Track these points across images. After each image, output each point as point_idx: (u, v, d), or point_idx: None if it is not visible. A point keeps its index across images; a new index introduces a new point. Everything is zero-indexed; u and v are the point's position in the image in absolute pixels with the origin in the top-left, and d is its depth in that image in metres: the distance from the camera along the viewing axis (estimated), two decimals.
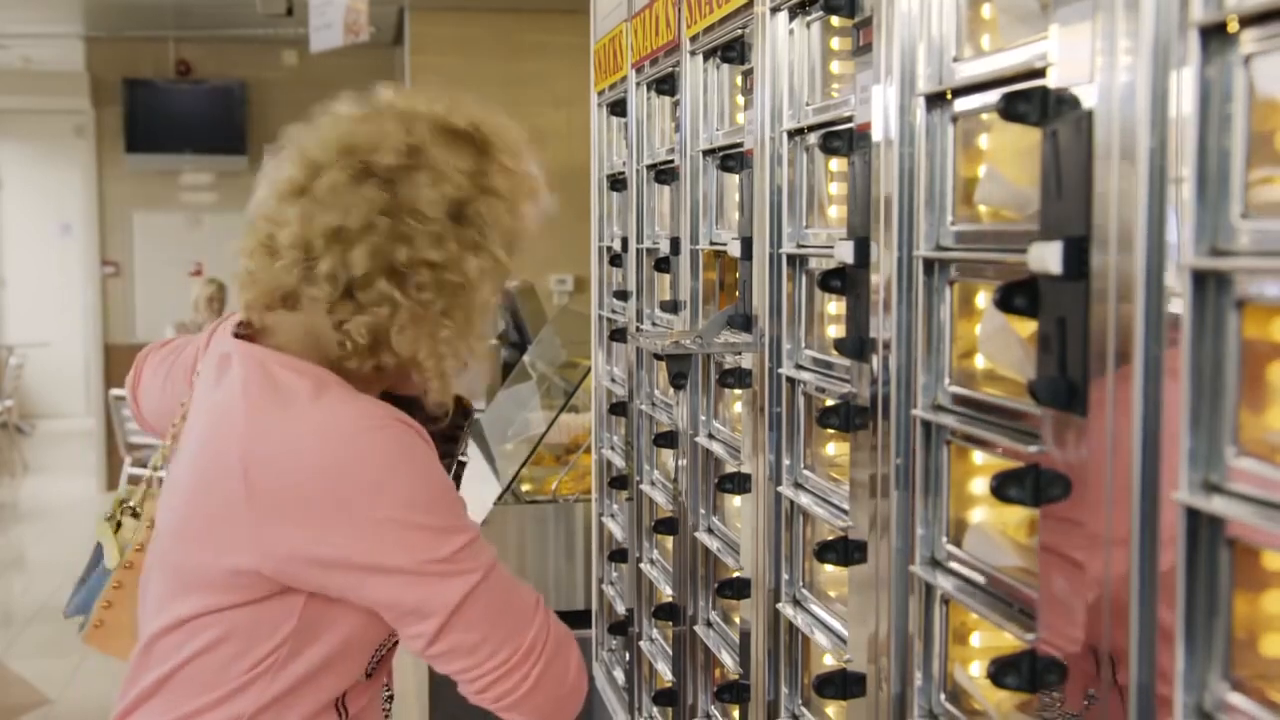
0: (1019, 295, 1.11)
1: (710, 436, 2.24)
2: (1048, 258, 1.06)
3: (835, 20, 1.67)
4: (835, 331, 1.73)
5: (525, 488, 3.80)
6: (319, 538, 1.41)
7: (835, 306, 1.76)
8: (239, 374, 1.50)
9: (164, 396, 1.81)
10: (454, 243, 1.50)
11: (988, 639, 1.39)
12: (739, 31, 1.97)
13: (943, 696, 1.39)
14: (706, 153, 2.22)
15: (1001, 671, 1.13)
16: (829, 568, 1.73)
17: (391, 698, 1.75)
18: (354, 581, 1.44)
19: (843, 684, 1.54)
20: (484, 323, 1.58)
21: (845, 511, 1.60)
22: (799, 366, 1.82)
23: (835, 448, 1.79)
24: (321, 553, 1.42)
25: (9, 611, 6.97)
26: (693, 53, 2.24)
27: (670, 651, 2.48)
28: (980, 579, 1.30)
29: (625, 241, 2.79)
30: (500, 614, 1.49)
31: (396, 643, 1.65)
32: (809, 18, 1.76)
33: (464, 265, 1.51)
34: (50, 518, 8.98)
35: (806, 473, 1.82)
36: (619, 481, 2.88)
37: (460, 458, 1.72)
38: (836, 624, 1.69)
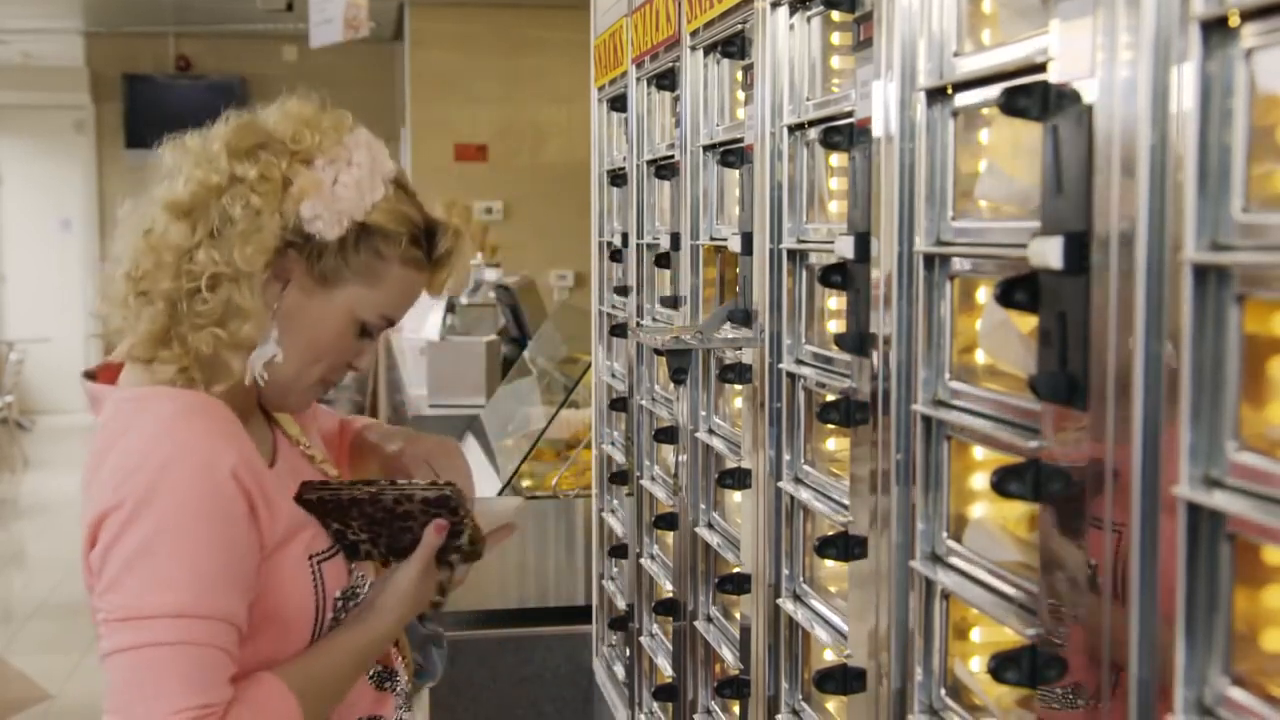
0: (1020, 290, 1.11)
1: (711, 432, 2.24)
2: (1048, 253, 1.05)
3: (836, 15, 1.67)
4: (835, 327, 1.73)
5: (525, 483, 3.80)
6: None
7: (835, 302, 1.76)
8: None
9: None
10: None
11: (988, 634, 1.39)
12: (739, 26, 1.96)
13: (943, 691, 1.39)
14: (707, 148, 2.22)
15: (1002, 666, 1.13)
16: (829, 563, 1.73)
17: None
18: None
19: (843, 679, 1.54)
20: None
21: (845, 507, 1.60)
22: (799, 362, 1.82)
23: (835, 443, 1.79)
24: None
25: (9, 607, 6.98)
26: (693, 48, 2.24)
27: (670, 647, 2.49)
28: (981, 574, 1.30)
29: (625, 237, 2.79)
30: (132, 689, 1.45)
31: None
32: (809, 12, 1.76)
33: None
34: (50, 513, 8.98)
35: (807, 468, 1.82)
36: (619, 477, 2.88)
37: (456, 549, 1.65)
38: (837, 619, 1.69)
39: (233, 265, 1.51)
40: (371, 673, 1.67)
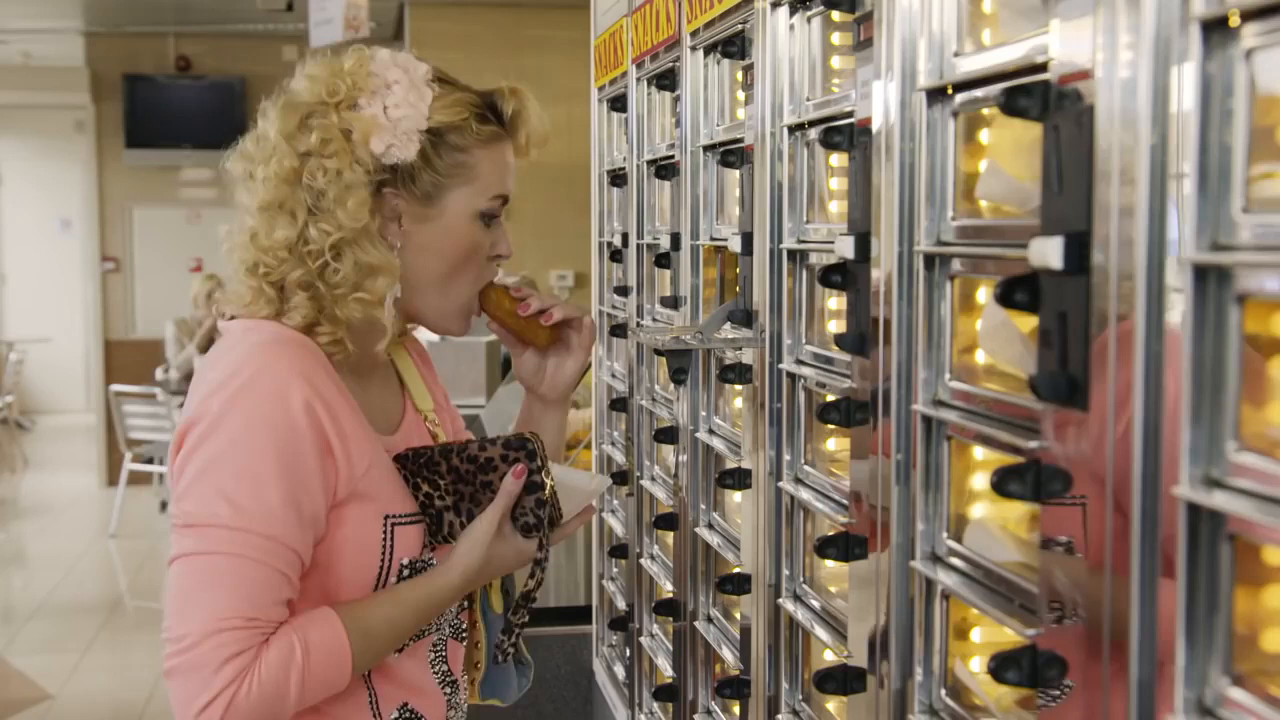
0: (1020, 290, 1.11)
1: (711, 432, 2.24)
2: (1049, 253, 1.05)
3: (836, 15, 1.67)
4: (836, 327, 1.73)
5: None
6: None
7: (836, 302, 1.76)
8: None
9: None
10: None
11: (988, 634, 1.39)
12: (739, 26, 1.96)
13: (943, 692, 1.39)
14: (707, 148, 2.22)
15: (1002, 667, 1.13)
16: (829, 563, 1.73)
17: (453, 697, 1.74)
18: None
19: (843, 679, 1.54)
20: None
21: (845, 507, 1.60)
22: (799, 362, 1.82)
23: (835, 443, 1.79)
24: None
25: (10, 607, 6.98)
26: (693, 48, 2.24)
27: (670, 647, 2.48)
28: (981, 574, 1.30)
29: (626, 237, 2.79)
30: (186, 594, 1.48)
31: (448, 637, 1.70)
32: (809, 13, 1.76)
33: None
34: (51, 513, 8.99)
35: (807, 468, 1.82)
36: (619, 477, 2.87)
37: (545, 501, 1.64)
38: (837, 619, 1.69)
39: (344, 227, 1.56)
40: (437, 671, 1.68)
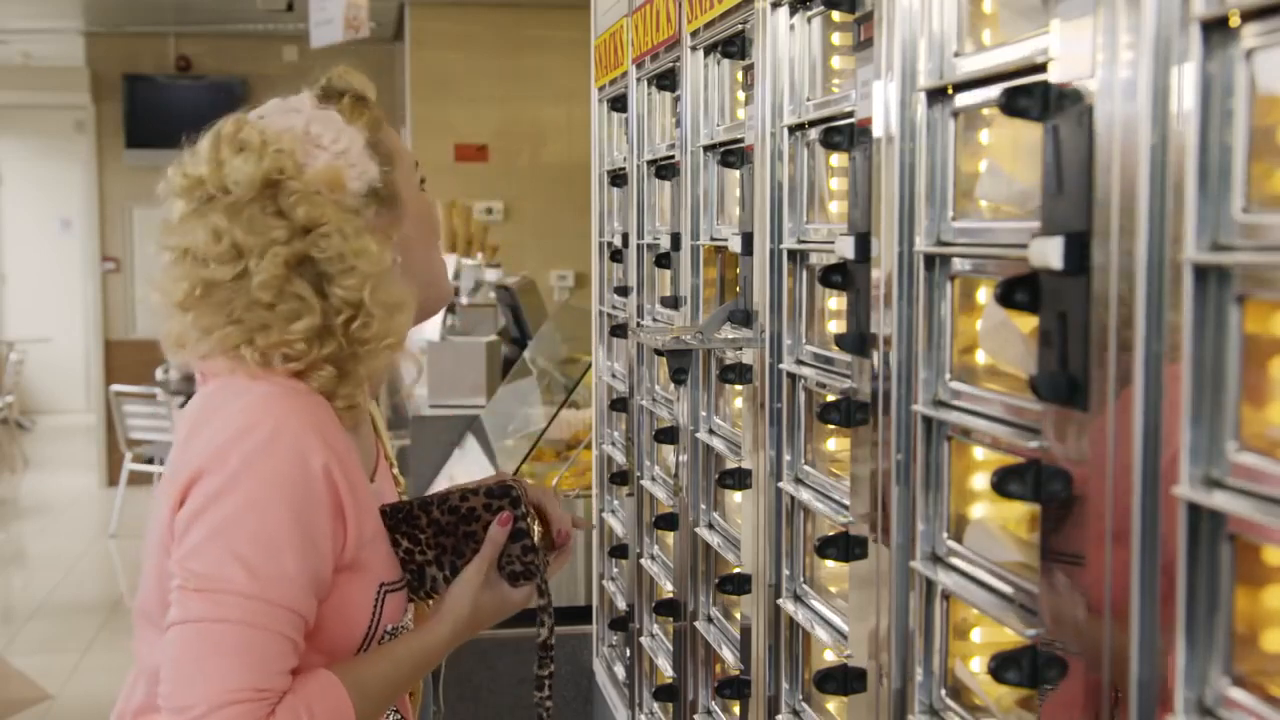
0: (1020, 290, 1.11)
1: (711, 432, 2.24)
2: (1049, 253, 1.05)
3: (836, 15, 1.67)
4: (836, 327, 1.73)
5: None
6: None
7: (836, 302, 1.76)
8: None
9: None
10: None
11: (988, 634, 1.39)
12: (740, 27, 1.96)
13: (943, 692, 1.39)
14: (707, 148, 2.22)
15: (1002, 667, 1.13)
16: (829, 563, 1.73)
17: None
18: None
19: (843, 679, 1.54)
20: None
21: (846, 507, 1.60)
22: (800, 362, 1.82)
23: (836, 443, 1.79)
24: None
25: (10, 607, 6.98)
26: (693, 48, 2.24)
27: (671, 647, 2.49)
28: (981, 574, 1.30)
29: (626, 237, 2.79)
30: (193, 661, 1.42)
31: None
32: (810, 13, 1.76)
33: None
34: (51, 513, 8.99)
35: (807, 468, 1.82)
36: (619, 477, 2.88)
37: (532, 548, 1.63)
38: (837, 619, 1.69)
39: (370, 275, 1.50)
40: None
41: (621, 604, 2.89)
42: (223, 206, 1.52)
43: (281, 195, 1.50)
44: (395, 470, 1.75)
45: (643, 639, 2.67)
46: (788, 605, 1.83)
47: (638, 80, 2.66)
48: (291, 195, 1.50)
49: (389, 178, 1.58)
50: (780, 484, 1.85)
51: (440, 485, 4.30)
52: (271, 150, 1.52)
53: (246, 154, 1.52)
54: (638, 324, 2.70)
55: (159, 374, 8.57)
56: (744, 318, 1.95)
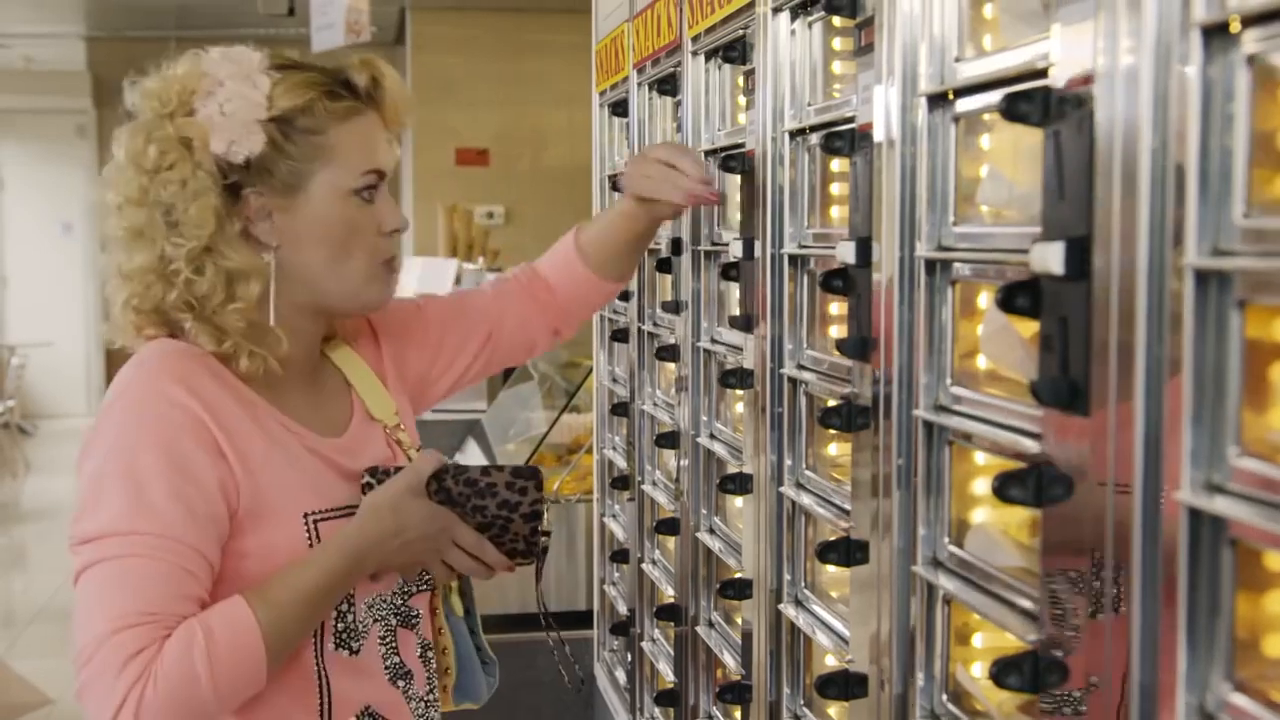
0: (1021, 295, 1.11)
1: (712, 437, 2.24)
2: (1050, 258, 1.05)
3: (837, 20, 1.67)
4: (837, 332, 1.73)
5: None
6: None
7: (837, 307, 1.76)
8: None
9: None
10: None
11: (990, 639, 1.39)
12: (741, 32, 1.97)
13: (945, 697, 1.39)
14: (708, 153, 2.22)
15: (1004, 672, 1.12)
16: (831, 568, 1.73)
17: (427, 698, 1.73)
18: None
19: (845, 684, 1.54)
20: None
21: (847, 512, 1.60)
22: (801, 367, 1.82)
23: (837, 448, 1.79)
24: None
25: (11, 611, 6.98)
26: (694, 53, 2.24)
27: (672, 652, 2.48)
28: (982, 579, 1.30)
29: None
30: (84, 609, 1.45)
31: (401, 628, 1.68)
32: (811, 18, 1.76)
33: None
34: (52, 517, 8.97)
35: (808, 473, 1.82)
36: (621, 482, 2.87)
37: (544, 531, 1.68)
38: (838, 624, 1.69)
39: (196, 237, 1.53)
40: (388, 664, 1.67)
41: (623, 609, 2.89)
42: (126, 129, 1.59)
43: (154, 129, 1.55)
44: (399, 432, 1.75)
45: (644, 644, 2.67)
46: (789, 610, 1.82)
47: (639, 85, 2.66)
48: (159, 131, 1.55)
49: (287, 163, 1.56)
50: (781, 489, 1.85)
51: None
52: (175, 82, 1.56)
53: (157, 78, 1.58)
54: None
55: None
56: (745, 322, 1.95)
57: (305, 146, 1.57)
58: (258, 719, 1.54)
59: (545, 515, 1.65)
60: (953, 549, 1.37)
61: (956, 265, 1.36)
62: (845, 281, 1.54)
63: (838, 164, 1.75)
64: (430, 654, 1.75)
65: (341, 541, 1.55)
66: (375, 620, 1.65)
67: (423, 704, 1.71)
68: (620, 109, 2.88)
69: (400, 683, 1.67)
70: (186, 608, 1.45)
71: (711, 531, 2.24)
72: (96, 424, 1.52)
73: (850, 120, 1.56)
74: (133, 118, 1.60)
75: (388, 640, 1.67)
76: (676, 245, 2.35)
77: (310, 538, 1.56)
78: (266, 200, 1.57)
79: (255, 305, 1.56)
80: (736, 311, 2.03)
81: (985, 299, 1.35)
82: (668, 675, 2.48)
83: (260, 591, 1.49)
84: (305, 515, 1.56)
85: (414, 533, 1.59)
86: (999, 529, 1.33)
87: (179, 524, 1.46)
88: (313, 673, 1.58)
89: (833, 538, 1.60)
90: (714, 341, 2.21)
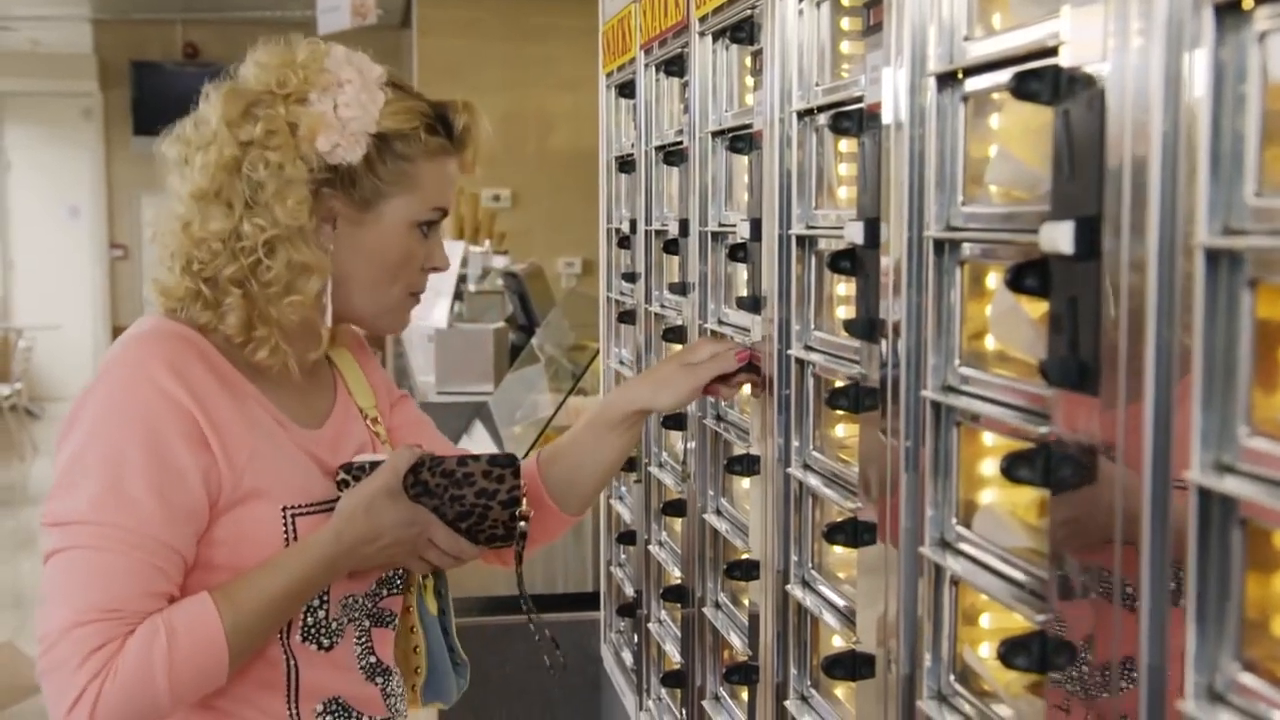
0: (1030, 275, 1.11)
1: (719, 418, 2.24)
2: (1059, 238, 1.05)
3: (845, 0, 1.66)
4: (845, 313, 1.73)
5: None
6: None
7: (845, 288, 1.75)
8: None
9: None
10: None
11: (997, 620, 1.39)
12: (748, 12, 1.96)
13: (952, 677, 1.39)
14: (715, 134, 2.21)
15: (1012, 652, 1.13)
16: (838, 549, 1.73)
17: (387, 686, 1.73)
18: None
19: (852, 665, 1.54)
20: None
21: (854, 493, 1.60)
22: (808, 348, 1.81)
23: (844, 429, 1.79)
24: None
25: (20, 593, 7.00)
26: (702, 34, 2.23)
27: (679, 633, 2.49)
28: (990, 560, 1.30)
29: (634, 224, 2.78)
30: (49, 594, 1.47)
31: (372, 624, 1.67)
32: None
33: None
34: None
35: (815, 454, 1.82)
36: (627, 464, 2.87)
37: (523, 516, 1.68)
38: (845, 605, 1.69)
39: (280, 225, 1.53)
40: (364, 663, 1.66)
41: (629, 590, 2.90)
42: (224, 91, 1.59)
43: (263, 104, 1.55)
44: (375, 425, 1.75)
45: (650, 625, 2.67)
46: (796, 591, 1.83)
47: (646, 66, 2.65)
48: (269, 109, 1.54)
49: (373, 180, 1.58)
50: (789, 470, 1.85)
51: None
52: (298, 68, 1.56)
53: (274, 55, 1.58)
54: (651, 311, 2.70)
55: None
56: (752, 304, 1.95)
57: (394, 170, 1.60)
58: (219, 698, 1.53)
59: (523, 501, 1.65)
60: (961, 530, 1.37)
61: (965, 246, 1.35)
62: (853, 262, 1.54)
63: (846, 144, 1.75)
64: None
65: (315, 547, 1.54)
66: (350, 620, 1.65)
67: (404, 701, 1.71)
68: (627, 90, 2.88)
69: (379, 679, 1.67)
70: (153, 604, 1.44)
71: (718, 513, 2.24)
72: (81, 401, 1.50)
73: (858, 100, 1.55)
74: (233, 79, 1.60)
75: (363, 640, 1.66)
76: (684, 226, 2.35)
77: (287, 533, 1.55)
78: (340, 206, 1.59)
79: (312, 302, 1.56)
80: (744, 293, 2.03)
81: (994, 279, 1.35)
82: (674, 656, 2.48)
83: (227, 592, 1.48)
84: (284, 509, 1.56)
85: (389, 537, 1.59)
86: (1007, 510, 1.33)
87: (155, 519, 1.45)
88: (279, 659, 1.58)
89: (840, 519, 1.60)
90: (721, 323, 2.20)
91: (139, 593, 1.44)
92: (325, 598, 1.60)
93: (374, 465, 1.61)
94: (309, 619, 1.59)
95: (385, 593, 1.70)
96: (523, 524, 1.67)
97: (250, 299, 1.54)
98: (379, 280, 1.62)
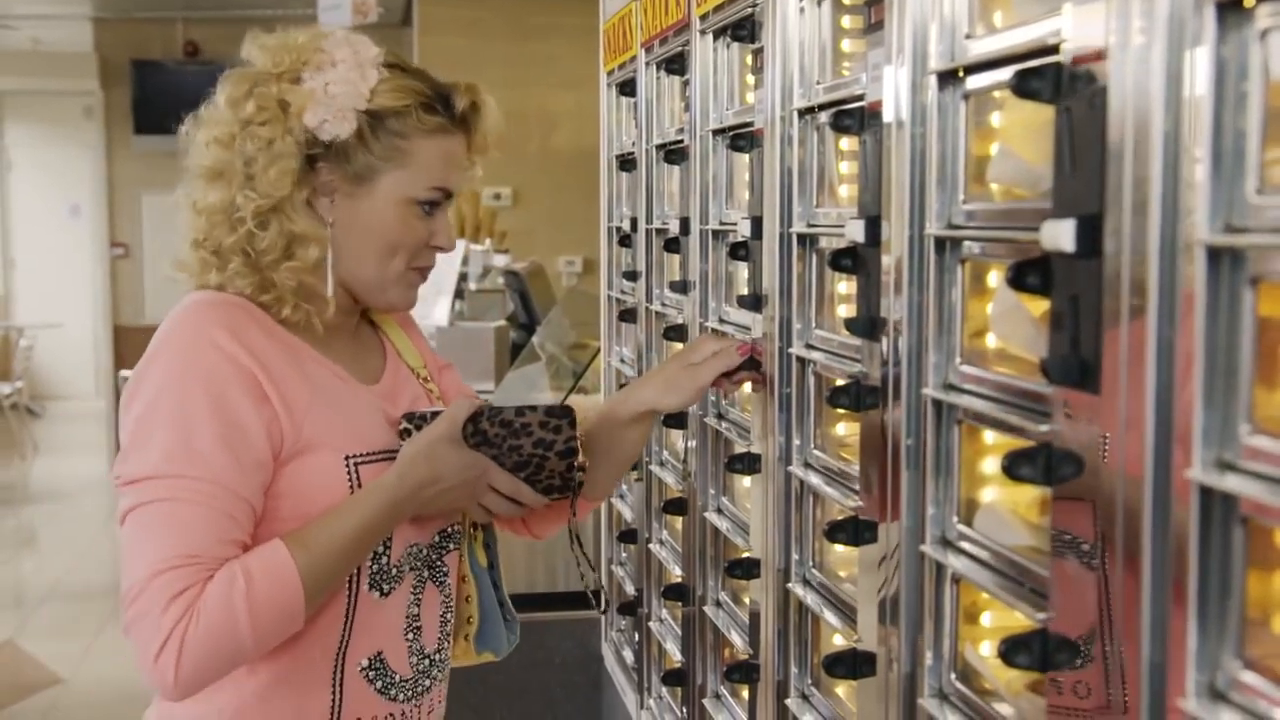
0: (1031, 273, 1.11)
1: (720, 417, 2.24)
2: (1060, 235, 1.05)
3: None
4: (846, 311, 1.73)
5: None
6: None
7: (846, 286, 1.75)
8: None
9: None
10: None
11: (998, 618, 1.39)
12: (749, 10, 1.96)
13: (953, 676, 1.39)
14: (716, 132, 2.21)
15: (1013, 650, 1.12)
16: (839, 548, 1.73)
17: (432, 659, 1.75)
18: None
19: (853, 663, 1.54)
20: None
21: (855, 491, 1.60)
22: (809, 346, 1.81)
23: (845, 427, 1.79)
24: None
25: (21, 592, 7.01)
26: (702, 32, 2.23)
27: (679, 632, 2.49)
28: (991, 558, 1.30)
29: (634, 222, 2.78)
30: (130, 550, 1.50)
31: (429, 570, 1.72)
32: None
33: None
34: (61, 498, 9.01)
35: (816, 452, 1.82)
36: None
37: (580, 467, 1.73)
38: (846, 604, 1.69)
39: (268, 196, 1.60)
40: (409, 613, 1.70)
41: (630, 589, 2.90)
42: (231, 74, 1.67)
43: (259, 84, 1.62)
44: (428, 383, 1.82)
45: (651, 624, 2.67)
46: (797, 589, 1.83)
47: (646, 64, 2.65)
48: (263, 88, 1.62)
49: (365, 155, 1.63)
50: (790, 468, 1.85)
51: None
52: (293, 49, 1.63)
53: (276, 38, 1.66)
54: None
55: None
56: (753, 302, 1.95)
57: (387, 146, 1.64)
58: (274, 652, 1.58)
59: (579, 452, 1.69)
60: (962, 528, 1.37)
61: (966, 244, 1.35)
62: (854, 260, 1.54)
63: (847, 142, 1.75)
64: (449, 616, 1.78)
65: (379, 490, 1.60)
66: (410, 569, 1.69)
67: (426, 660, 1.73)
68: (628, 88, 2.87)
69: (409, 635, 1.70)
70: (229, 551, 1.50)
71: (719, 511, 2.24)
72: (144, 367, 1.57)
73: (859, 98, 1.55)
74: (244, 66, 1.67)
75: (417, 591, 1.71)
76: (685, 225, 2.35)
77: (351, 480, 1.61)
78: (335, 180, 1.64)
79: (311, 268, 1.62)
80: (745, 291, 2.03)
81: (995, 277, 1.35)
82: (675, 655, 2.49)
83: (299, 536, 1.54)
84: (347, 458, 1.61)
85: (450, 480, 1.64)
86: (1008, 508, 1.33)
87: (225, 470, 1.51)
88: (341, 613, 1.63)
89: (841, 517, 1.60)
90: (722, 321, 2.20)
91: (215, 540, 1.49)
92: (388, 544, 1.65)
93: (435, 415, 1.66)
94: (374, 566, 1.65)
95: (447, 547, 1.76)
96: (580, 474, 1.72)
97: (253, 267, 1.61)
98: (379, 252, 1.66)
